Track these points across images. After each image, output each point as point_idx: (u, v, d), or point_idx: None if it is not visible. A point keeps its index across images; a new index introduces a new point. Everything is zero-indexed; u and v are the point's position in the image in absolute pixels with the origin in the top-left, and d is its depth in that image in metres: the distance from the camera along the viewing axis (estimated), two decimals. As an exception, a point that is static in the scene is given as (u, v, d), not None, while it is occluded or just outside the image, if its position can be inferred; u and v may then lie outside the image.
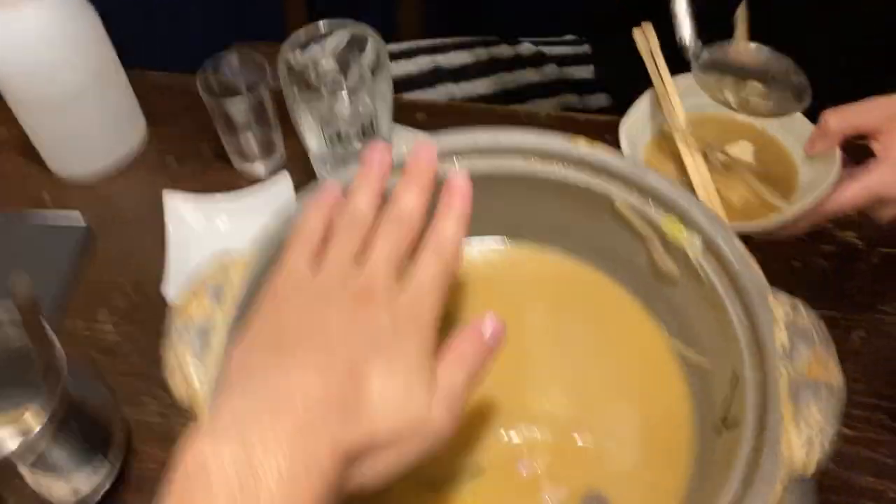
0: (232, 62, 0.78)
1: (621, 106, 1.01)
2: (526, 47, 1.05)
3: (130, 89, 0.84)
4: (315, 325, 0.38)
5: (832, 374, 0.43)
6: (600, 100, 1.05)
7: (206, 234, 0.75)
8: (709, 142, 0.71)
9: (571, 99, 1.04)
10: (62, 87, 0.74)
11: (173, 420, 0.67)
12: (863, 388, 0.67)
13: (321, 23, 0.65)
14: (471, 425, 0.51)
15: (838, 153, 0.64)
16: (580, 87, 1.05)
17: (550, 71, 1.04)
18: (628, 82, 0.99)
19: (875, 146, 0.62)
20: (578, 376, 0.54)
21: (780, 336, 0.45)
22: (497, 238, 0.60)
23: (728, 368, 0.47)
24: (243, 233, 0.74)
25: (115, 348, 0.71)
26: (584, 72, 1.05)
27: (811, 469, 0.41)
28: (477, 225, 0.58)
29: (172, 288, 0.70)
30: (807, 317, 0.45)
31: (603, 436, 0.51)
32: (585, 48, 1.07)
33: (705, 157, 0.70)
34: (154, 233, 0.77)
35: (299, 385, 0.35)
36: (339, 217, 0.45)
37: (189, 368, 0.44)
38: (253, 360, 0.38)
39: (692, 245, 0.50)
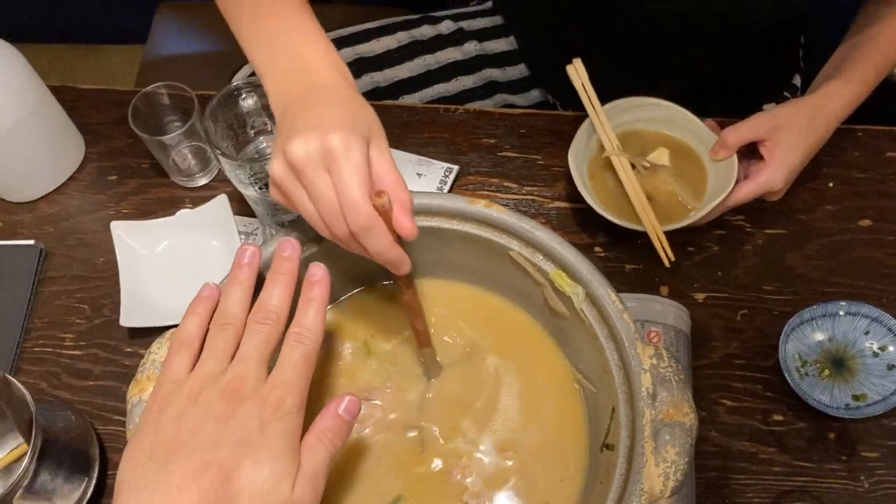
0: (161, 97, 0.83)
1: (538, 73, 1.08)
2: (446, 25, 1.09)
3: (66, 116, 0.88)
4: (190, 431, 0.45)
5: (686, 415, 0.53)
6: (521, 70, 1.10)
7: (151, 258, 0.81)
8: (637, 152, 0.84)
9: (493, 72, 1.09)
10: (-1, 127, 0.79)
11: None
12: (743, 363, 0.78)
13: (242, 83, 0.70)
14: (412, 440, 0.61)
15: (735, 159, 0.79)
16: (500, 60, 1.10)
17: (471, 48, 1.08)
18: (541, 52, 1.06)
19: (762, 150, 0.78)
20: (500, 397, 0.63)
21: (646, 381, 0.54)
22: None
23: (608, 399, 0.57)
24: (184, 253, 0.81)
25: (81, 368, 0.79)
26: (503, 44, 1.10)
27: (668, 493, 0.51)
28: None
29: (126, 316, 0.77)
30: (668, 364, 0.54)
31: (522, 453, 0.61)
32: (499, 19, 1.11)
33: (633, 167, 0.82)
34: (105, 252, 0.83)
35: (176, 496, 0.42)
36: (214, 320, 0.51)
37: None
38: (137, 472, 0.45)
39: (576, 295, 0.58)
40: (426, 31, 1.08)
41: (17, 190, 0.87)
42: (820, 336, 0.77)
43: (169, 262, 0.82)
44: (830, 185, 0.87)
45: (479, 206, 0.61)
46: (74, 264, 0.84)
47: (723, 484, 0.72)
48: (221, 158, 0.67)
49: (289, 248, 0.54)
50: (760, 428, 0.75)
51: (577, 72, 0.82)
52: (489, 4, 1.13)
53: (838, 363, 0.77)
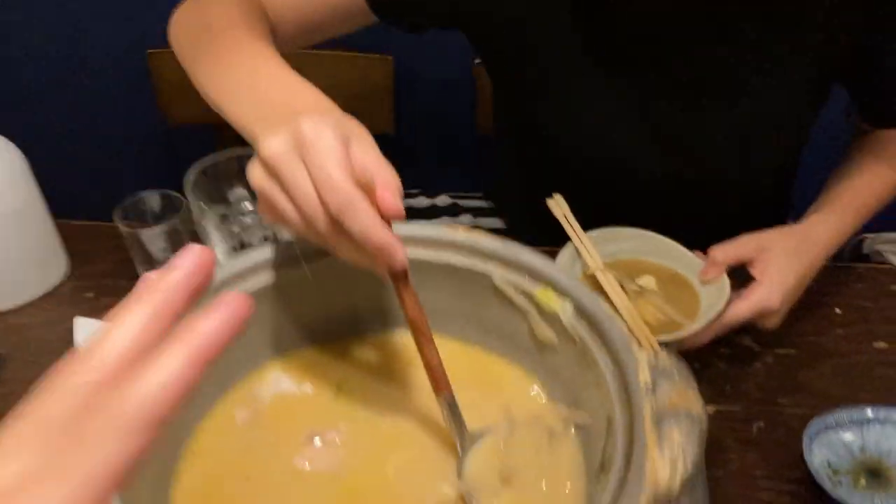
0: (150, 200, 0.83)
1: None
2: (442, 199, 1.12)
3: (53, 227, 0.87)
4: None
5: (692, 403, 0.45)
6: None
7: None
8: (622, 277, 0.80)
9: (488, 244, 1.10)
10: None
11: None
12: (766, 474, 0.68)
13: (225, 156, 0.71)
14: None
15: (726, 278, 0.76)
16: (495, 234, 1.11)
17: (465, 220, 1.10)
18: (536, 232, 1.07)
19: (753, 271, 0.76)
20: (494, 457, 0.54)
21: (644, 376, 0.47)
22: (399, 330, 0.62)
23: (603, 417, 0.49)
24: None
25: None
26: (498, 222, 1.12)
27: (676, 486, 0.42)
28: (371, 319, 0.62)
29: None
30: (667, 360, 0.48)
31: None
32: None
33: (622, 287, 0.79)
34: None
35: None
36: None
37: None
38: None
39: (564, 310, 0.53)
40: (422, 202, 1.11)
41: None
42: (850, 443, 0.68)
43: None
44: (838, 311, 0.83)
45: (461, 233, 0.58)
46: (33, 368, 0.78)
47: None
48: (203, 208, 0.65)
49: (192, 258, 0.30)
50: (794, 545, 0.63)
51: (557, 204, 0.83)
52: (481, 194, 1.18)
53: (875, 474, 0.67)
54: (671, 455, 0.43)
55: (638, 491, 0.41)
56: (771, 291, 0.73)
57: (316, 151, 0.47)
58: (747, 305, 0.73)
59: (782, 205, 1.04)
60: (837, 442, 0.69)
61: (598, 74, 0.82)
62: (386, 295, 0.61)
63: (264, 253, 0.57)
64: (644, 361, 0.48)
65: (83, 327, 0.77)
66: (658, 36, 0.78)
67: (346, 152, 0.48)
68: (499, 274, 0.57)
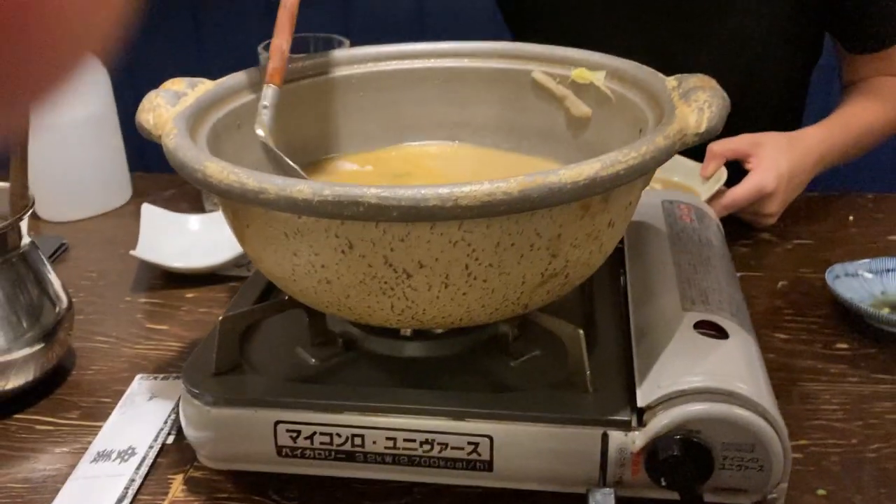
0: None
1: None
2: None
3: (123, 151, 0.95)
4: None
5: (715, 87, 0.51)
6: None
7: (176, 229, 0.82)
8: None
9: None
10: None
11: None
12: (792, 312, 0.71)
13: None
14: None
15: (724, 169, 0.83)
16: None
17: None
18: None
19: (749, 164, 0.83)
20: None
21: (670, 83, 0.53)
22: (439, 142, 0.69)
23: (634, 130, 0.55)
24: (215, 235, 0.81)
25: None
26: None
27: (704, 126, 0.47)
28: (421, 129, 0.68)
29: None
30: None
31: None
32: None
33: None
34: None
35: None
36: None
37: (160, 102, 0.52)
38: None
39: (598, 78, 0.60)
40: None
41: (55, 204, 0.90)
42: (871, 283, 0.72)
43: (193, 238, 0.82)
44: (851, 218, 0.88)
45: (505, 44, 0.66)
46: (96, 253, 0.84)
47: (790, 389, 0.61)
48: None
49: None
50: (825, 353, 0.66)
51: None
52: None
53: (897, 307, 0.70)
54: (697, 106, 0.48)
55: (669, 123, 0.47)
56: (767, 172, 0.80)
57: None
58: (745, 187, 0.80)
59: None
60: (858, 285, 0.72)
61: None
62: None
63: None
64: (671, 80, 0.54)
65: (150, 214, 0.83)
66: None
67: None
68: (538, 68, 0.64)
